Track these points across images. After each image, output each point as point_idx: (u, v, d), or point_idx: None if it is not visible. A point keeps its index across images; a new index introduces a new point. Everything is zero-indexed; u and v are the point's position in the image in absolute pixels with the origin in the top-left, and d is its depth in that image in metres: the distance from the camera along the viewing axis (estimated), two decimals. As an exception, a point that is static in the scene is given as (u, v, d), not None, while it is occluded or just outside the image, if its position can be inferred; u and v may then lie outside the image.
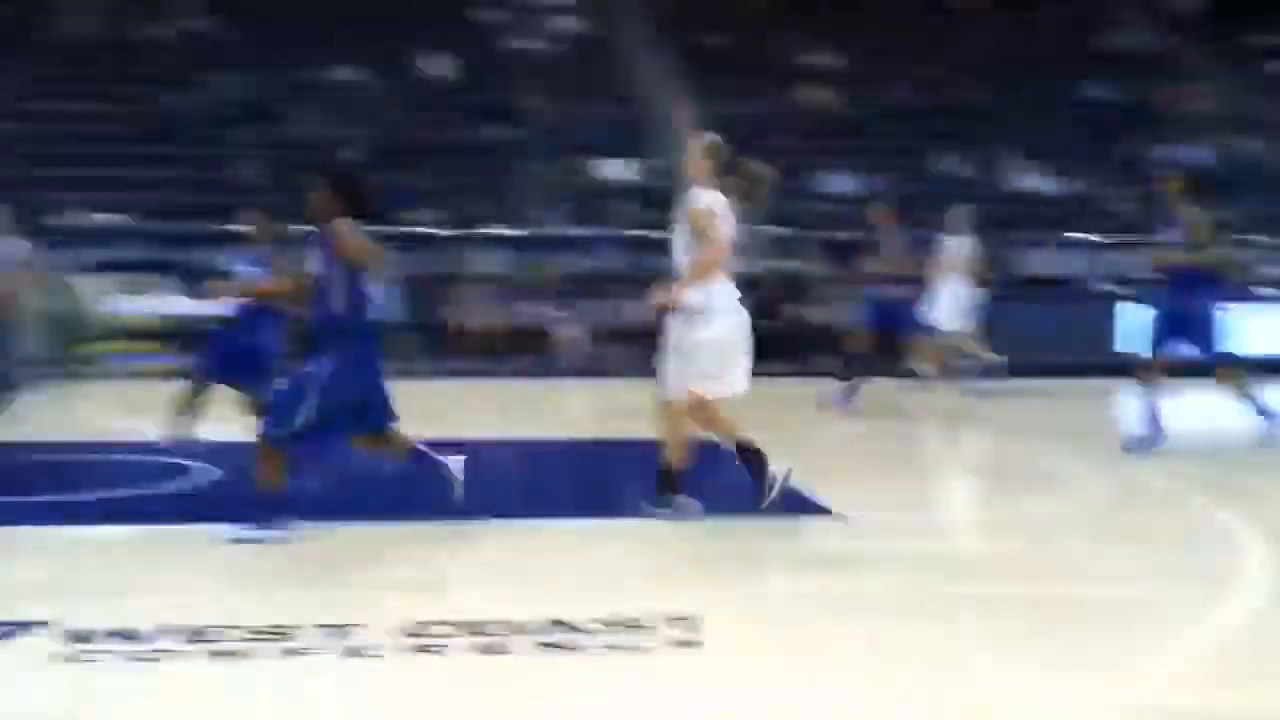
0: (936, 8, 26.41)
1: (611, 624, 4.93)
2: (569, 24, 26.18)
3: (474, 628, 4.84)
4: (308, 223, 6.92)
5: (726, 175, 7.06)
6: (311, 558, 6.19)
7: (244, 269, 9.12)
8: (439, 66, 24.17)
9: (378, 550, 6.34)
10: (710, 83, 23.44)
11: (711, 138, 7.22)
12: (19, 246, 12.54)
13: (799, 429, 10.73)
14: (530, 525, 6.95)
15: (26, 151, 21.14)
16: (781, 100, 23.45)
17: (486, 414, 12.50)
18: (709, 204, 6.91)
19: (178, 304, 17.02)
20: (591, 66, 24.97)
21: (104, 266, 17.58)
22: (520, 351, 17.04)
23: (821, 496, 7.46)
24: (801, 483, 7.25)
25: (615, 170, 21.62)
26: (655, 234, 13.26)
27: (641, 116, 23.44)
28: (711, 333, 6.89)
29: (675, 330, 6.96)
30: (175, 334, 16.33)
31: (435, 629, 4.83)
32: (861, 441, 10.97)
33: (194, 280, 16.56)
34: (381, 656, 4.59)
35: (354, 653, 4.62)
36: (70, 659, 4.51)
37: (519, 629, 4.85)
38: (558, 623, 4.92)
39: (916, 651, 4.75)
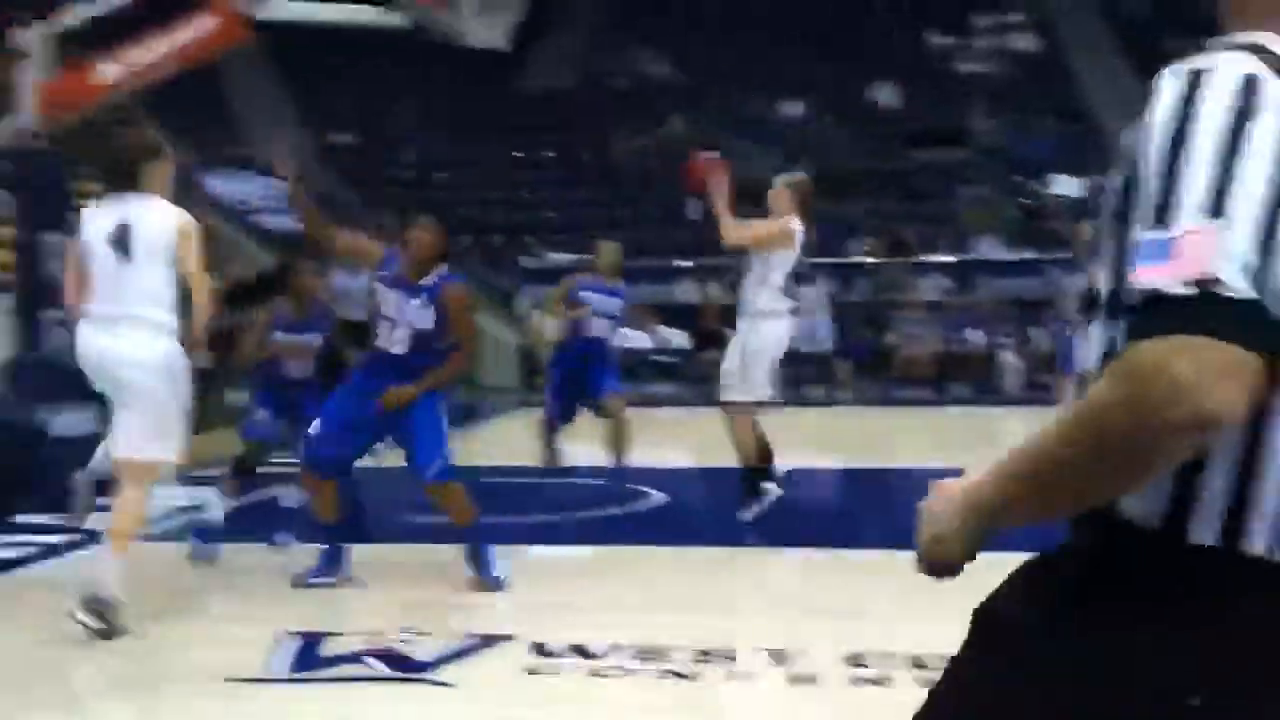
0: None
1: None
2: (1020, 43, 25.49)
3: (916, 660, 4.77)
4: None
5: None
6: (745, 579, 6.31)
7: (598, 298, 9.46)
8: (886, 95, 24.18)
9: (808, 574, 6.39)
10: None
11: None
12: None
13: None
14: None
15: (495, 196, 22.90)
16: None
17: (922, 441, 12.31)
18: None
19: (633, 337, 17.85)
20: (1041, 85, 24.24)
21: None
22: (961, 378, 16.70)
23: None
24: None
25: (1066, 188, 20.83)
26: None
27: (1092, 133, 22.48)
28: None
29: None
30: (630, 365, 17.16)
31: (873, 659, 4.81)
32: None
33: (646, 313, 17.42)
34: (824, 684, 4.62)
35: (798, 680, 4.67)
36: (534, 671, 4.82)
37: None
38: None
39: None
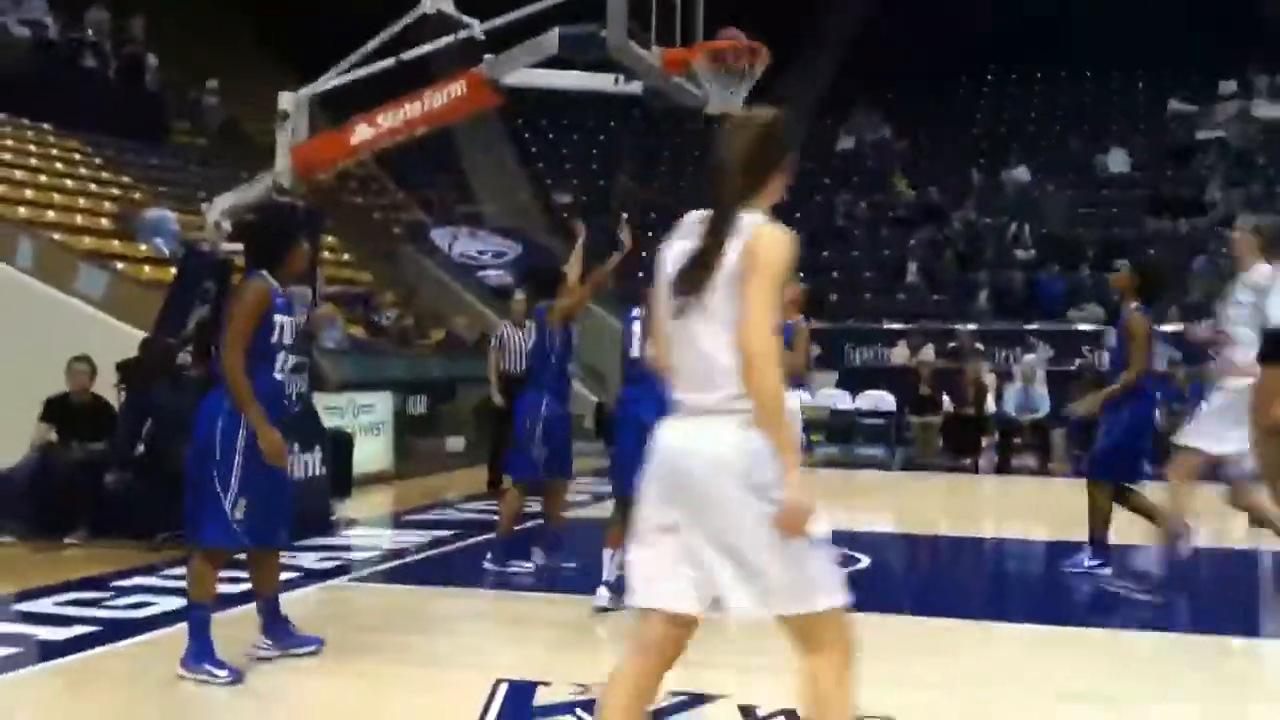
0: None
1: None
2: (1257, 112, 24.52)
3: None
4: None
5: None
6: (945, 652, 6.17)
7: None
8: (1117, 162, 23.58)
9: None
10: None
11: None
12: None
13: None
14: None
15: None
16: None
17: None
18: None
19: (836, 397, 17.80)
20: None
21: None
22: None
23: None
24: None
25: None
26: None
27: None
28: None
29: None
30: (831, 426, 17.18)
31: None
32: None
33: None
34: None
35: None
36: (740, 732, 4.81)
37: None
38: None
39: None
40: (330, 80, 10.02)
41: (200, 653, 5.45)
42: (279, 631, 5.87)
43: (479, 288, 20.70)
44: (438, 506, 11.44)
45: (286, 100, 9.95)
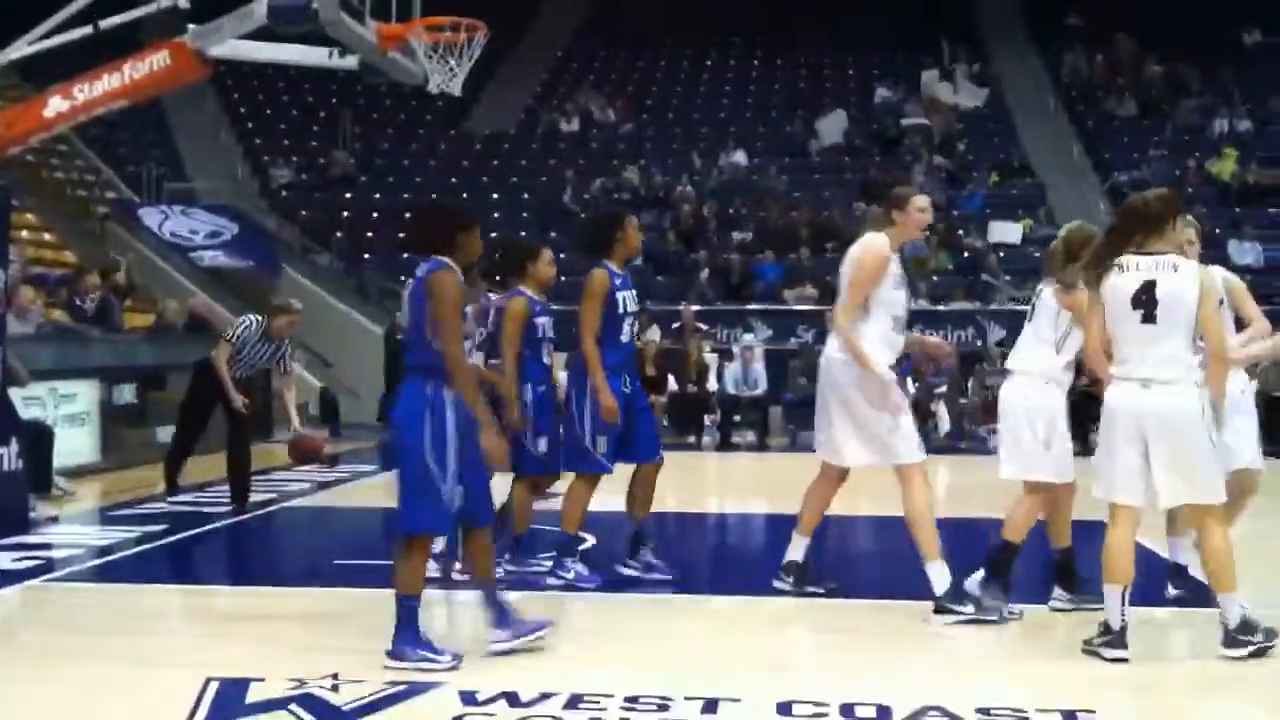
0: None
1: (991, 714, 4.74)
2: (965, 98, 25.90)
3: (845, 709, 4.76)
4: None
5: None
6: (680, 627, 6.27)
7: None
8: (831, 133, 24.47)
9: (740, 622, 6.36)
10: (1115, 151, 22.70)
11: None
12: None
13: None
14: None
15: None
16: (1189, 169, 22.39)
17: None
18: None
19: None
20: (984, 139, 24.69)
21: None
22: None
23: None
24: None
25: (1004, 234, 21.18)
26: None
27: (1035, 187, 22.94)
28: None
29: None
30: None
31: (803, 708, 4.79)
32: None
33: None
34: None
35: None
36: (458, 718, 4.73)
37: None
38: (934, 709, 4.78)
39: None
40: (20, 49, 9.42)
41: (414, 639, 5.37)
42: (508, 620, 5.60)
43: (193, 269, 19.90)
44: (147, 500, 10.93)
45: (-29, 69, 9.32)
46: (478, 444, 5.44)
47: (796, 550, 6.79)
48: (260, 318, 10.11)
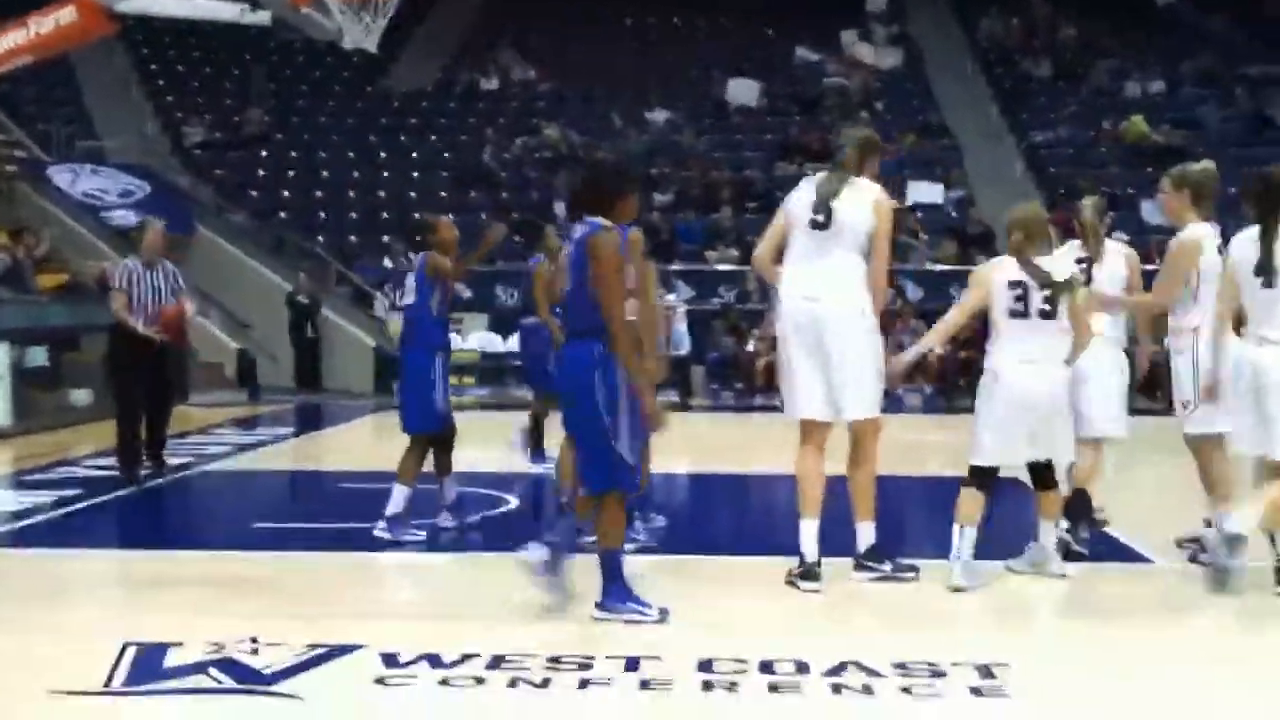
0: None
1: (907, 668, 4.82)
2: (883, 59, 25.99)
3: (764, 666, 4.83)
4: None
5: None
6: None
7: None
8: (746, 98, 24.45)
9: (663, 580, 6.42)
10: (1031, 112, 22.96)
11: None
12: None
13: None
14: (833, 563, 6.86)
15: (364, 197, 22.61)
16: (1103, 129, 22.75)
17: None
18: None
19: (489, 340, 17.90)
20: (902, 100, 24.81)
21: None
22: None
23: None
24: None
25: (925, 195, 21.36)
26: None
27: (952, 148, 23.12)
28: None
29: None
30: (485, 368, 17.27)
31: (723, 665, 4.85)
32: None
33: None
34: (671, 689, 4.64)
35: (647, 686, 4.68)
36: (380, 680, 4.75)
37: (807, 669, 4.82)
38: (851, 664, 4.85)
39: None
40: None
41: (624, 593, 5.52)
42: (624, 592, 5.60)
43: (103, 229, 19.50)
44: (61, 465, 10.75)
45: None
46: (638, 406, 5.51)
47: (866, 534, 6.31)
48: (130, 258, 9.81)
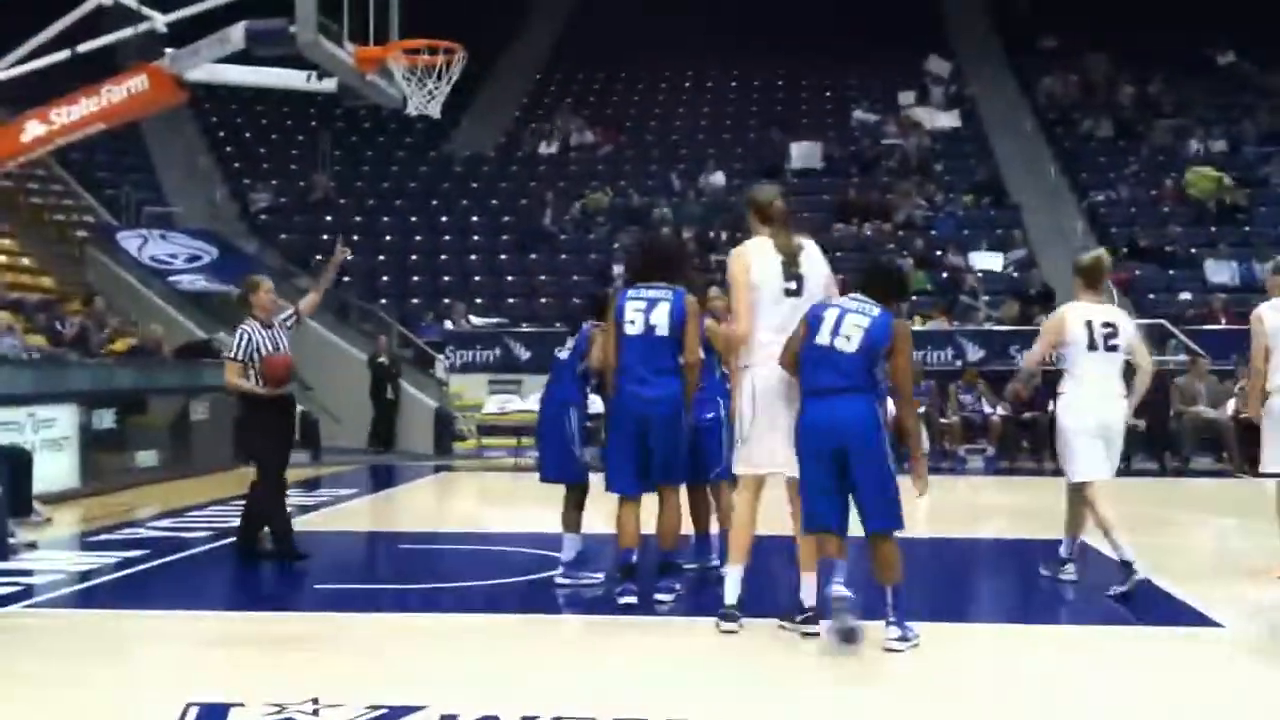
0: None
1: None
2: (941, 120, 26.00)
3: None
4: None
5: None
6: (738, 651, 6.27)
7: None
8: (805, 158, 24.50)
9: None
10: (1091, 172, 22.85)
11: None
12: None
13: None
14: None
15: (426, 260, 22.86)
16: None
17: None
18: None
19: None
20: (960, 160, 24.81)
21: (478, 367, 18.83)
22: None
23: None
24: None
25: (985, 263, 21.23)
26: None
27: (1012, 207, 23.05)
28: None
29: None
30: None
31: None
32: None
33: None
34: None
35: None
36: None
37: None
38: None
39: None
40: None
41: (904, 621, 6.07)
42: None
43: (171, 293, 19.84)
44: (127, 525, 10.87)
45: (-52, 93, 9.31)
46: None
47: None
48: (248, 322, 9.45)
